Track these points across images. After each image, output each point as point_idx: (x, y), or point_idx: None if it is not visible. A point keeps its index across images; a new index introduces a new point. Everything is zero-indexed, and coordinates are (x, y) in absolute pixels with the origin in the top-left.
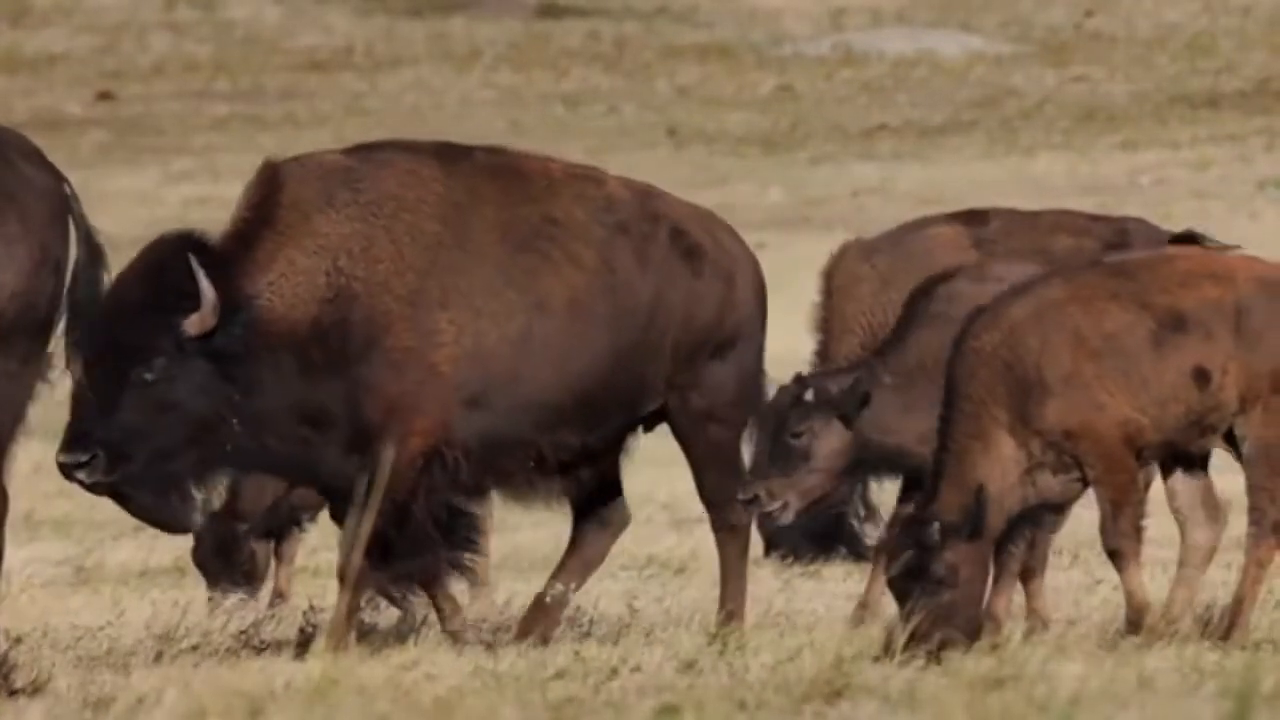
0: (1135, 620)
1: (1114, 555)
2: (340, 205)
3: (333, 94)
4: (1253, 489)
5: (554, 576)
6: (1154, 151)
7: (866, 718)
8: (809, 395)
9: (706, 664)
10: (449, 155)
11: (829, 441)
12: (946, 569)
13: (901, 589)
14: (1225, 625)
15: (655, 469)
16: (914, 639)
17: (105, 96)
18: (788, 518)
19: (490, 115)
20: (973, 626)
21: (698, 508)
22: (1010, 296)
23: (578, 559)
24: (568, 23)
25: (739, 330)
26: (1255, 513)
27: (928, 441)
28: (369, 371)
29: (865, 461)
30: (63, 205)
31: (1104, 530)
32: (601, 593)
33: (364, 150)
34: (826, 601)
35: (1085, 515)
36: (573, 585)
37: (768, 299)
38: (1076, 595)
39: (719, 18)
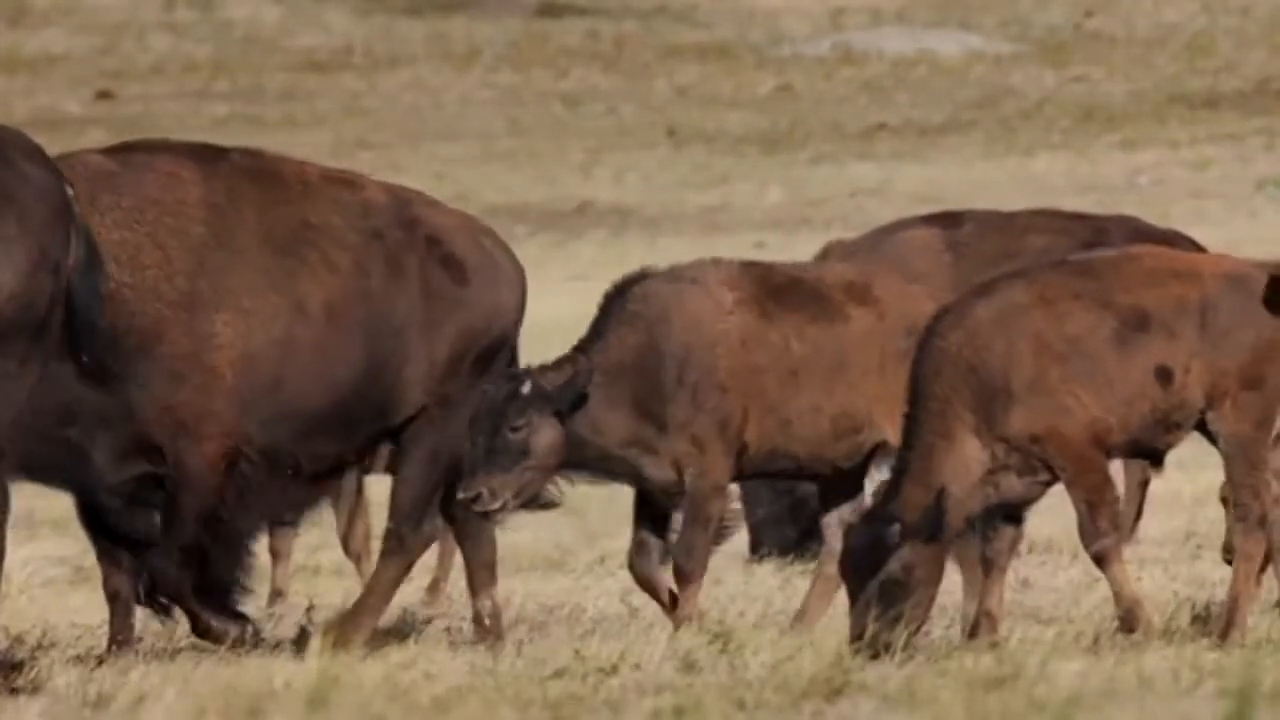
0: (1128, 618)
1: (1097, 558)
2: (104, 210)
3: (332, 94)
4: (1234, 485)
5: (473, 596)
6: (1153, 151)
7: (865, 717)
8: (526, 389)
9: (706, 663)
10: (207, 156)
11: (546, 437)
12: (903, 568)
13: (855, 585)
14: (1223, 624)
15: None
16: (867, 637)
17: (105, 96)
18: (504, 515)
19: (490, 115)
20: (920, 625)
21: None
22: (975, 296)
23: (480, 566)
24: (567, 22)
25: (504, 337)
26: (1240, 509)
27: (633, 444)
28: (148, 380)
29: (574, 461)
30: (64, 205)
31: (1083, 534)
32: (601, 591)
33: (125, 152)
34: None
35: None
36: (494, 593)
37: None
38: (1076, 594)
39: (718, 17)
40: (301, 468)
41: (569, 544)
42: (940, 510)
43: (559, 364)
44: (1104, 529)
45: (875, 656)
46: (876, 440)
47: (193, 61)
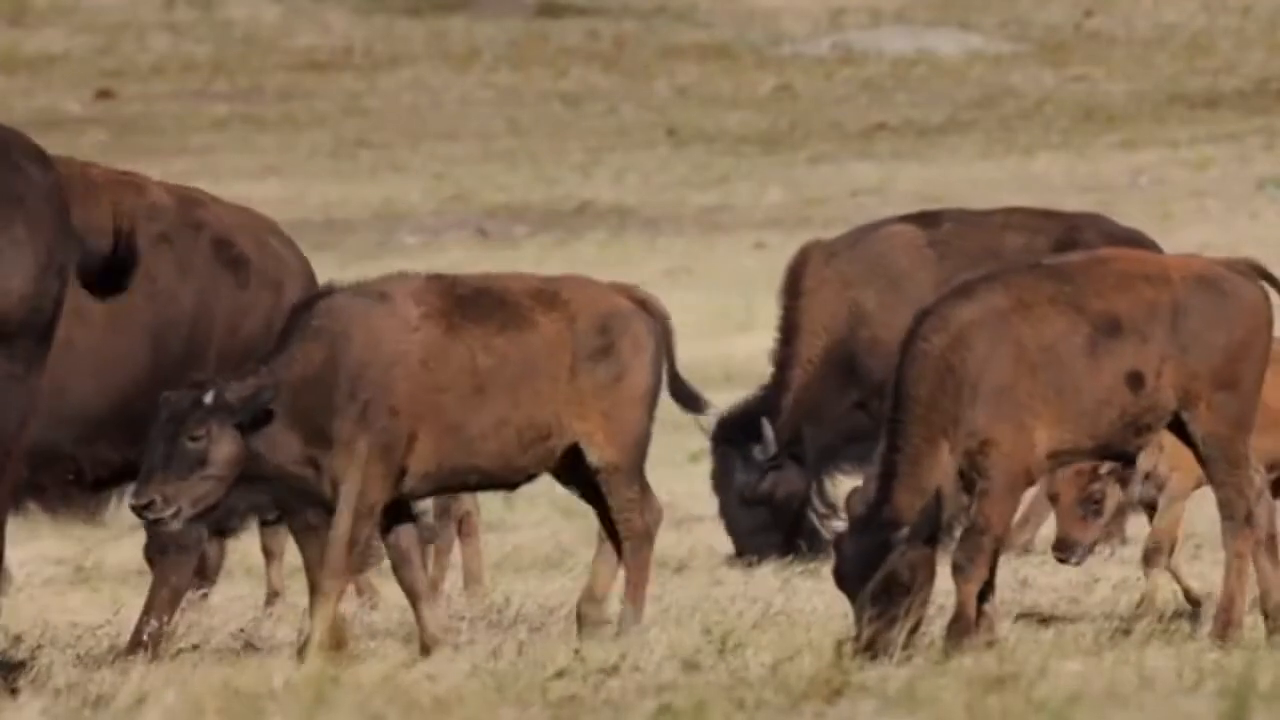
0: (955, 638)
1: (959, 570)
2: None
3: (331, 94)
4: (1216, 485)
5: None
6: (1153, 151)
7: (866, 717)
8: (209, 399)
9: (706, 663)
10: None
11: (224, 448)
12: (908, 571)
13: (855, 590)
14: (1220, 624)
15: (654, 469)
16: (869, 639)
17: (104, 96)
18: (177, 524)
19: (489, 115)
20: (919, 624)
21: (697, 507)
22: (956, 299)
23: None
24: (567, 22)
25: None
26: (1225, 508)
27: (308, 464)
28: None
29: (254, 475)
30: (65, 206)
31: (963, 543)
32: None
33: None
34: (826, 600)
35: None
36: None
37: None
38: (1076, 595)
39: (718, 17)
40: (84, 472)
41: (569, 544)
42: (939, 512)
43: (244, 376)
44: (984, 547)
45: (875, 658)
46: (568, 444)
47: (192, 61)
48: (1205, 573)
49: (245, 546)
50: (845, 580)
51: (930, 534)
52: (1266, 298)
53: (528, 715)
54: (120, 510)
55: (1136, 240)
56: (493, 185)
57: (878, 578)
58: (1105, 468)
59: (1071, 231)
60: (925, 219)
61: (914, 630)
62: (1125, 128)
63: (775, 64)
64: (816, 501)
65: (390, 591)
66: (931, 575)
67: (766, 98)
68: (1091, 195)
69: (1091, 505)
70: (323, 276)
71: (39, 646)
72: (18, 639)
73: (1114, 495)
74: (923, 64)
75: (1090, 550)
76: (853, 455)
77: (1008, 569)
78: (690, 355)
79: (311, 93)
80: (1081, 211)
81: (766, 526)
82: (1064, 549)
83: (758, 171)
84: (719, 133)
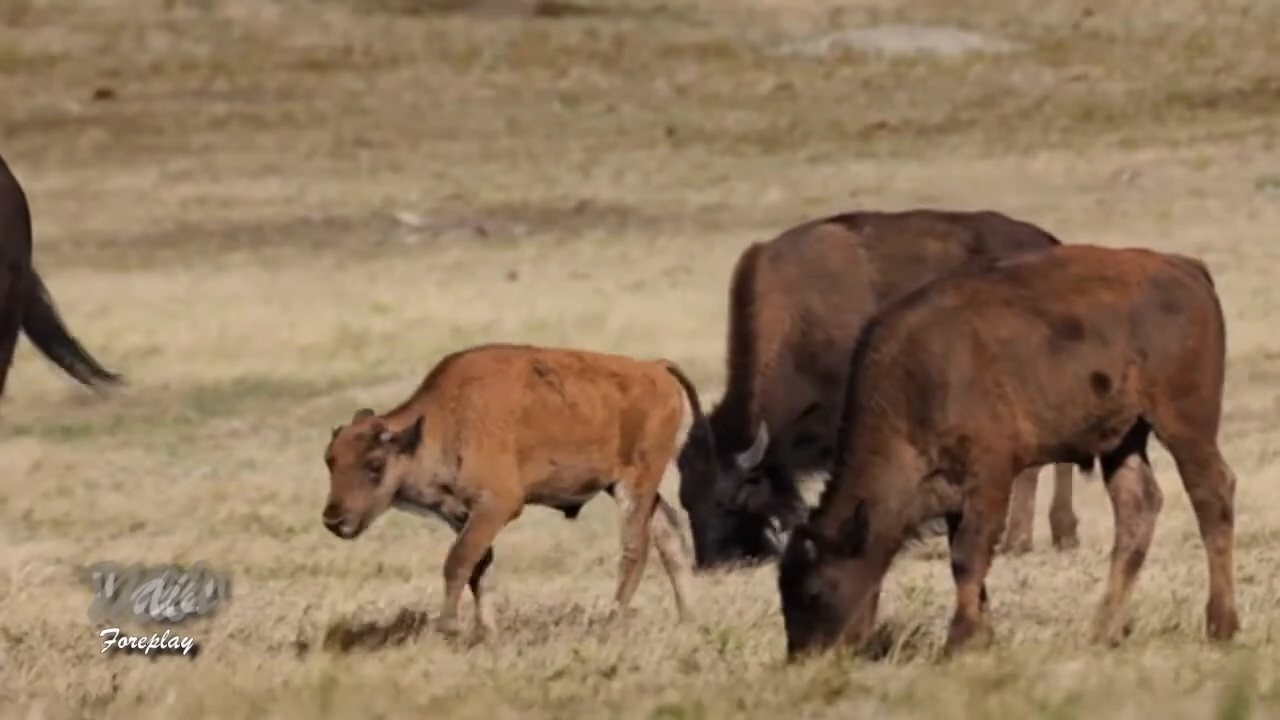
0: (956, 635)
1: (959, 569)
2: None
3: (331, 93)
4: (1189, 487)
5: None
6: (1152, 150)
7: (865, 717)
8: None
9: (705, 663)
10: None
11: None
12: (827, 584)
13: (786, 601)
14: (1214, 622)
15: None
16: (795, 647)
17: (103, 96)
18: None
19: (489, 114)
20: (853, 636)
21: None
22: (903, 305)
23: None
24: (566, 21)
25: None
26: (1199, 508)
27: None
28: None
29: None
30: (21, 203)
31: (958, 543)
32: (600, 591)
33: None
34: None
35: (1083, 514)
36: None
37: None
38: (1076, 594)
39: (717, 16)
40: None
41: (568, 544)
42: (861, 524)
43: None
44: (981, 545)
45: (875, 657)
46: None
47: (192, 61)
48: (1205, 573)
49: (244, 546)
50: (780, 589)
51: (855, 547)
52: (1217, 299)
53: (528, 715)
54: (121, 510)
55: (1030, 240)
56: (492, 185)
57: (806, 593)
58: (386, 434)
59: (977, 238)
60: (849, 220)
61: (858, 640)
62: (1124, 127)
63: (774, 63)
64: (777, 520)
65: (388, 591)
66: (863, 588)
67: (766, 97)
68: (1091, 194)
69: (371, 472)
70: (323, 275)
71: (39, 647)
72: (18, 640)
73: (394, 464)
74: (922, 63)
75: (362, 519)
76: (803, 460)
77: (1008, 569)
78: (690, 354)
79: (311, 92)
80: (979, 211)
81: (729, 540)
82: (333, 514)
83: (757, 171)
84: (718, 132)
